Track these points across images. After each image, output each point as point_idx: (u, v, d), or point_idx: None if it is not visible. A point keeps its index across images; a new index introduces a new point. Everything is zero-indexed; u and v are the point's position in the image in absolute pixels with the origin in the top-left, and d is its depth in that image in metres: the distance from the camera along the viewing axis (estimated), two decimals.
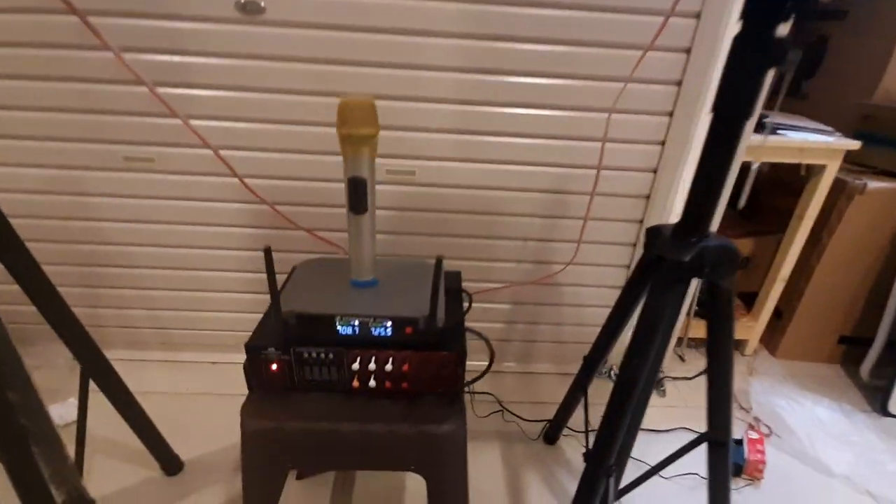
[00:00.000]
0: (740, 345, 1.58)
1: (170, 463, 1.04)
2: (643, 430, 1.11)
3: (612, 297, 1.32)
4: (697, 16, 0.99)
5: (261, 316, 1.31)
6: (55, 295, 0.76)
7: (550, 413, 1.25)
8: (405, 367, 0.64)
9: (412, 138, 1.10)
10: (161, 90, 1.03)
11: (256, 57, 1.01)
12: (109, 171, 1.12)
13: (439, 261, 0.64)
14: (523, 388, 1.37)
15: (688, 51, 1.03)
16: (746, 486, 1.11)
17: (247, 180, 1.13)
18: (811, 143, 1.20)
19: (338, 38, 0.99)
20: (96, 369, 0.87)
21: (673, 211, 1.18)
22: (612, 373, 1.42)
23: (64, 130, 1.07)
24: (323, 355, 0.62)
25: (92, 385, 0.86)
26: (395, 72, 1.03)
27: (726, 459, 0.76)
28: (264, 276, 1.24)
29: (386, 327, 0.62)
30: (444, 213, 1.19)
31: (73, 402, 1.17)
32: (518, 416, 1.25)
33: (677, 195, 1.16)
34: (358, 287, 0.68)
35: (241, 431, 0.61)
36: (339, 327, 0.62)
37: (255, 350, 0.63)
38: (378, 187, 1.15)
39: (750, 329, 1.53)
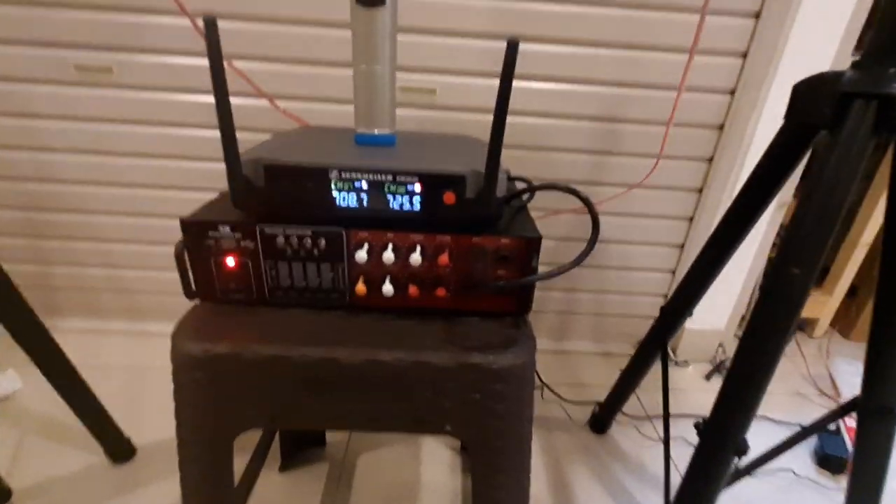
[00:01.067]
0: (808, 324, 1.35)
1: (117, 448, 0.80)
2: None
3: (668, 258, 1.10)
4: None
5: None
6: None
7: (594, 397, 1.02)
8: (442, 260, 0.40)
9: (432, 45, 0.88)
10: None
11: None
12: (58, 84, 0.91)
13: (511, 45, 0.33)
14: (560, 369, 1.13)
15: None
16: None
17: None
18: None
19: None
20: (22, 329, 0.64)
21: (752, 145, 0.96)
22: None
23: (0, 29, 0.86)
24: (309, 240, 0.39)
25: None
26: None
27: (891, 431, 0.53)
28: None
29: (413, 192, 0.38)
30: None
31: (13, 374, 0.94)
32: (561, 398, 1.01)
33: (757, 126, 0.94)
34: (367, 144, 0.45)
35: (173, 361, 0.39)
36: (335, 192, 0.38)
37: (197, 230, 0.39)
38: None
39: (822, 306, 1.30)
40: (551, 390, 1.02)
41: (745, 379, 0.46)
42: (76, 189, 1.00)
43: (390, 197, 0.38)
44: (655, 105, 0.94)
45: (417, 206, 0.38)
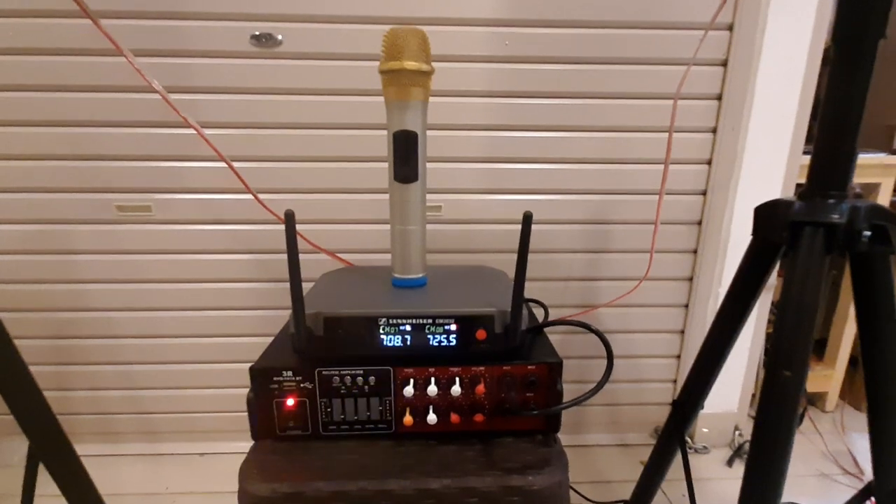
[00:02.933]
0: (818, 399, 1.36)
1: None
2: None
3: (672, 344, 1.15)
4: (730, 28, 0.96)
5: None
6: (23, 371, 0.59)
7: (620, 494, 1.01)
8: (479, 390, 0.45)
9: (438, 170, 1.00)
10: (168, 130, 0.95)
11: (271, 91, 0.95)
12: (99, 223, 1.00)
13: (527, 218, 0.42)
14: (581, 466, 1.12)
15: (724, 63, 0.98)
16: None
17: (257, 196, 1.01)
18: (863, 160, 1.12)
19: (356, 68, 0.94)
20: (50, 448, 0.66)
21: (730, 237, 1.06)
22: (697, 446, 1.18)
23: (49, 180, 0.97)
24: (360, 379, 0.44)
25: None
26: None
27: None
28: (270, 339, 1.08)
29: (449, 331, 0.44)
30: (473, 252, 1.06)
31: None
32: (588, 500, 0.99)
33: (732, 220, 1.05)
34: (404, 287, 0.52)
35: (240, 501, 0.41)
36: (382, 335, 0.44)
37: (264, 376, 0.45)
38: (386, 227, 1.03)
39: (828, 379, 1.33)
40: (578, 493, 1.01)
41: (763, 474, 0.50)
42: (102, 315, 1.06)
43: (430, 336, 0.44)
44: (642, 207, 1.05)
45: (454, 342, 0.45)
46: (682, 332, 1.14)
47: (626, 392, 1.18)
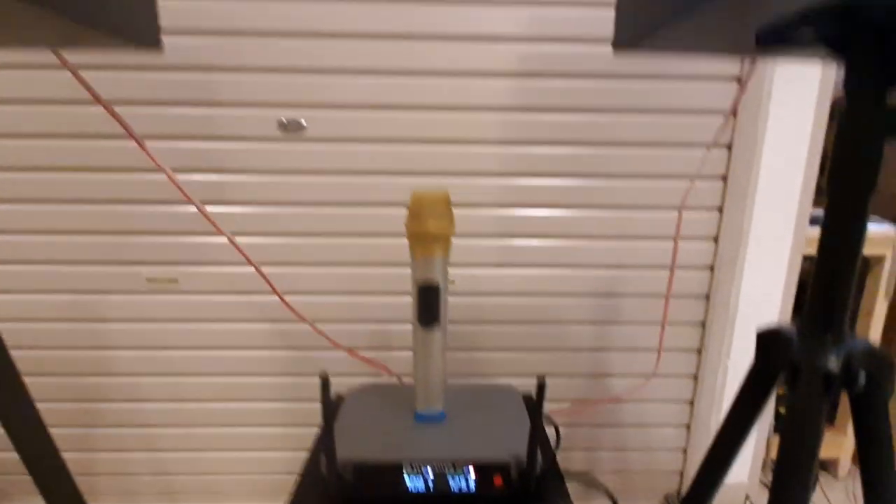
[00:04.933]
0: (830, 465, 1.36)
1: None
2: None
3: (680, 414, 1.16)
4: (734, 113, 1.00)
5: (288, 454, 1.14)
6: (48, 445, 0.63)
7: None
8: None
9: (453, 244, 1.04)
10: (191, 208, 1.01)
11: (296, 172, 1.00)
12: (129, 293, 1.05)
13: (541, 386, 0.49)
14: None
15: (729, 146, 1.02)
16: None
17: (283, 298, 1.05)
18: (869, 232, 1.14)
19: (377, 151, 0.99)
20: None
21: (738, 311, 1.08)
22: None
23: (82, 253, 1.02)
24: None
25: None
26: (432, 179, 1.01)
27: None
28: (290, 406, 1.12)
29: (468, 477, 0.48)
30: (486, 323, 1.09)
31: None
32: None
33: (739, 294, 1.07)
34: (424, 422, 0.56)
35: None
36: (407, 480, 0.48)
37: None
38: (405, 299, 1.07)
39: (839, 446, 1.32)
40: None
41: None
42: (128, 380, 1.10)
43: (451, 481, 0.48)
44: (650, 281, 1.08)
45: (473, 488, 0.48)
46: (692, 402, 1.15)
47: (636, 459, 1.19)
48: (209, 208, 1.01)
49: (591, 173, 1.02)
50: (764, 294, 1.07)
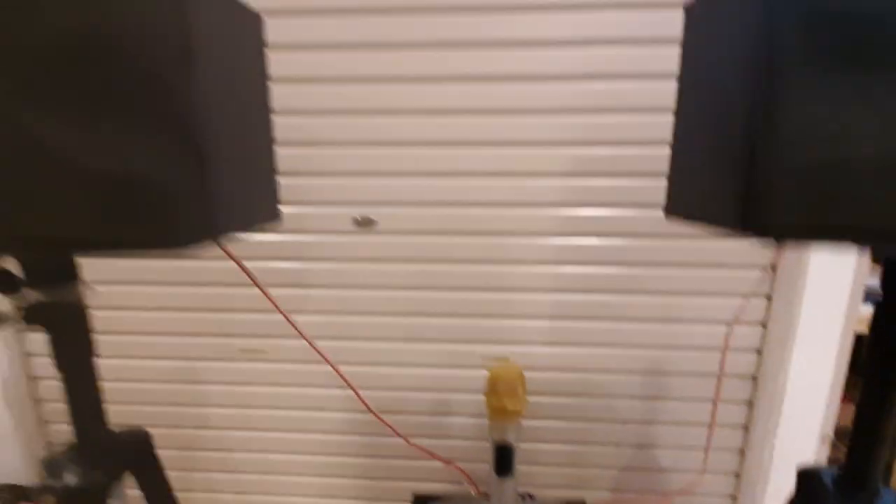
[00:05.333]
0: None
1: None
2: None
3: (726, 484, 1.20)
4: None
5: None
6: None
7: None
8: None
9: (508, 326, 1.13)
10: (280, 291, 1.14)
11: (368, 260, 1.12)
12: (224, 361, 1.21)
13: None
14: None
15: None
16: None
17: (358, 393, 1.18)
18: None
19: (440, 242, 1.10)
20: None
21: (786, 391, 1.11)
22: None
23: (186, 327, 1.19)
24: None
25: None
26: (489, 267, 1.11)
27: None
28: (358, 460, 1.24)
29: None
30: (539, 395, 1.17)
31: None
32: None
33: (788, 375, 1.10)
34: None
35: None
36: None
37: None
38: (467, 372, 1.17)
39: None
40: None
41: None
42: (221, 433, 1.26)
43: None
44: (699, 360, 1.13)
45: None
46: (738, 475, 1.19)
47: None
48: (290, 291, 1.15)
49: (644, 262, 1.08)
50: (811, 385, 1.10)
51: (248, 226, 0.59)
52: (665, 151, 1.00)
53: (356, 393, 1.15)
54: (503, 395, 0.56)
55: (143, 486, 0.70)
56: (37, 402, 1.27)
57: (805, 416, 1.13)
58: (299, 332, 0.95)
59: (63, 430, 1.30)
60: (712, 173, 0.52)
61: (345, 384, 1.18)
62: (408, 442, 1.19)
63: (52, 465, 0.61)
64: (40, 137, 0.40)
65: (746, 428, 1.16)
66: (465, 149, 1.05)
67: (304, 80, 1.04)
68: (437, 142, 1.05)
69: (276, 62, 1.03)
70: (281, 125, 1.06)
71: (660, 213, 1.05)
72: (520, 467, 1.19)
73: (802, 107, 0.39)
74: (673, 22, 0.97)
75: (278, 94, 1.04)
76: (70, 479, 0.59)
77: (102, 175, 0.41)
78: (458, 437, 1.21)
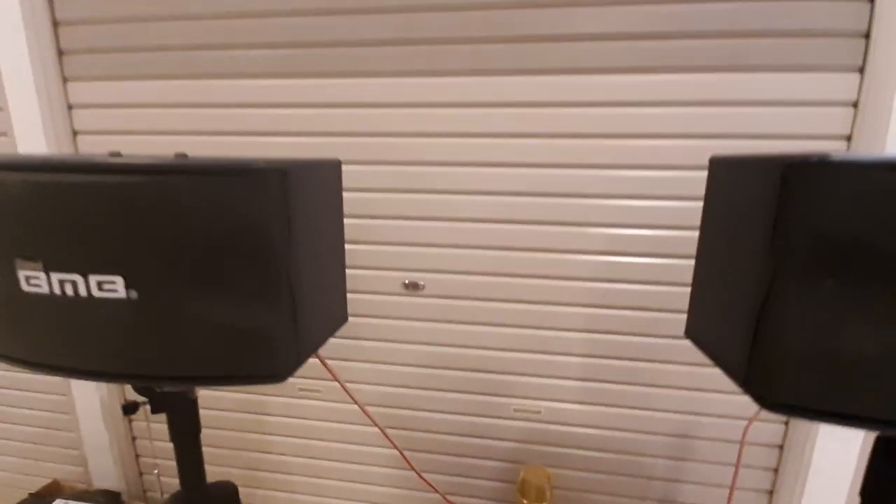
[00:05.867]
0: None
1: None
2: None
3: None
4: None
5: None
6: None
7: None
8: None
9: (540, 383, 1.22)
10: (334, 340, 1.28)
11: (416, 319, 1.24)
12: (285, 397, 1.36)
13: None
14: None
15: None
16: None
17: (402, 453, 1.31)
18: None
19: (481, 307, 1.20)
20: None
21: (812, 462, 1.14)
22: None
23: None
24: None
25: None
26: (526, 331, 1.20)
27: None
28: (400, 492, 1.37)
29: None
30: (569, 448, 1.26)
31: None
32: None
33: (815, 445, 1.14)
34: None
35: None
36: None
37: None
38: (503, 422, 1.27)
39: None
40: None
41: None
42: (280, 458, 1.42)
43: None
44: (724, 429, 1.18)
45: None
46: None
47: None
48: (343, 341, 1.28)
49: (676, 334, 1.14)
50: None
51: (326, 338, 0.71)
52: None
53: (400, 452, 1.28)
54: (532, 498, 0.66)
55: None
56: (130, 420, 1.48)
57: (832, 484, 1.16)
58: (351, 397, 1.07)
59: (146, 446, 1.50)
60: (725, 324, 0.59)
61: (385, 438, 1.31)
62: (445, 499, 1.31)
63: None
64: (184, 305, 0.53)
65: (771, 493, 1.21)
66: (504, 225, 1.14)
67: (369, 162, 1.16)
68: (479, 219, 1.15)
69: (349, 146, 1.16)
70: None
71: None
72: None
73: (803, 309, 0.46)
74: None
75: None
76: None
77: (224, 328, 0.54)
78: (485, 478, 1.32)
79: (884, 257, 0.44)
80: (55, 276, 0.54)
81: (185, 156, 0.60)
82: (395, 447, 1.28)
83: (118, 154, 0.60)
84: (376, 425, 1.24)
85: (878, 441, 0.57)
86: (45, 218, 0.53)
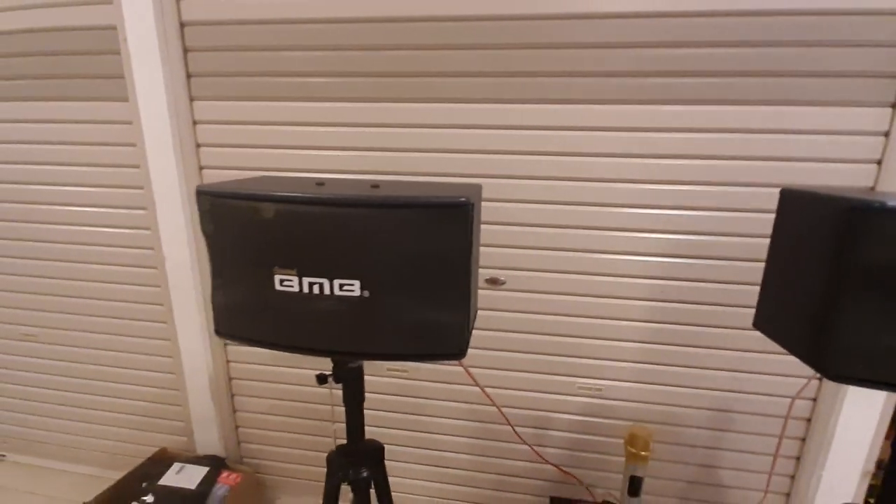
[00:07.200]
0: None
1: None
2: None
3: None
4: None
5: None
6: None
7: None
8: None
9: (592, 364, 1.43)
10: None
11: (499, 310, 1.44)
12: (377, 376, 1.57)
13: None
14: None
15: None
16: None
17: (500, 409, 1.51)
18: None
19: (552, 299, 1.39)
20: None
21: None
22: None
23: None
24: None
25: None
26: (587, 321, 1.40)
27: None
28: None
29: None
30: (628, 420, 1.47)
31: None
32: None
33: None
34: None
35: None
36: None
37: None
38: (565, 398, 1.47)
39: None
40: None
41: None
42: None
43: None
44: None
45: None
46: (787, 495, 1.45)
47: None
48: None
49: (722, 324, 1.34)
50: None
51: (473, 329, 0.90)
52: None
53: (500, 410, 1.48)
54: (639, 447, 0.85)
55: (375, 480, 1.05)
56: (232, 396, 1.68)
57: (852, 452, 1.37)
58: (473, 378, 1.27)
59: (246, 417, 1.71)
60: (795, 320, 0.78)
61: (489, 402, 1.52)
62: (540, 456, 1.52)
63: (330, 461, 0.97)
64: (399, 303, 0.72)
65: (798, 459, 1.42)
66: (583, 231, 1.34)
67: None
68: (560, 224, 1.34)
69: (439, 161, 1.34)
70: None
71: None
72: (602, 474, 1.50)
73: (855, 314, 0.66)
74: None
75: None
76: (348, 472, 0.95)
77: (415, 323, 0.73)
78: (557, 446, 1.53)
79: None
80: (306, 280, 0.73)
81: (377, 186, 0.79)
82: (509, 423, 1.49)
83: (322, 183, 0.79)
84: (495, 405, 1.44)
85: None
86: (297, 236, 0.72)
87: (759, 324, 0.90)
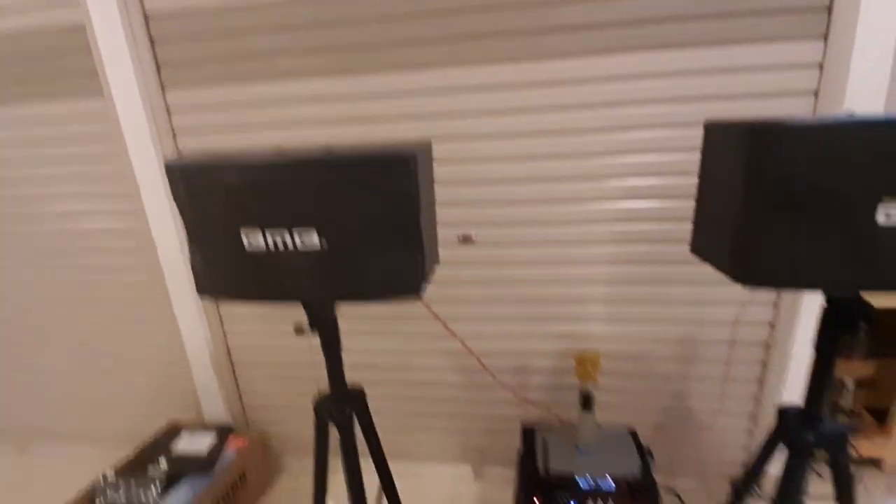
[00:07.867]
0: (878, 463, 1.69)
1: None
2: None
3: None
4: None
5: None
6: None
7: None
8: None
9: (573, 310, 1.52)
10: None
11: (466, 264, 1.52)
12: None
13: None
14: None
15: None
16: None
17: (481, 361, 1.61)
18: None
19: (521, 252, 1.48)
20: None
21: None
22: None
23: None
24: None
25: None
26: (558, 269, 1.48)
27: None
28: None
29: (608, 483, 0.98)
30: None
31: None
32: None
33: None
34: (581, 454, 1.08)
35: None
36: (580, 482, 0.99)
37: None
38: (544, 343, 1.57)
39: (884, 446, 1.66)
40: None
41: None
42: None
43: (601, 483, 0.99)
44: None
45: (612, 488, 0.99)
46: (754, 416, 1.56)
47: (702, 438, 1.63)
48: None
49: (677, 260, 1.43)
50: None
51: (433, 270, 0.99)
52: None
53: (480, 360, 1.58)
54: (588, 367, 0.95)
55: (361, 424, 1.15)
56: (233, 367, 1.80)
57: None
58: (441, 321, 1.36)
59: (249, 386, 1.82)
60: (717, 239, 0.87)
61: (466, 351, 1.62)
62: (516, 393, 1.63)
63: (318, 404, 1.07)
64: (355, 250, 0.81)
65: (761, 381, 1.52)
66: (546, 184, 1.41)
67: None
68: (524, 179, 1.41)
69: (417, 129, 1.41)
70: None
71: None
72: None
73: (765, 226, 0.74)
74: None
75: None
76: (331, 414, 1.05)
77: (373, 267, 0.82)
78: (537, 387, 1.64)
79: (816, 192, 0.71)
80: (269, 235, 0.81)
81: (331, 149, 0.86)
82: (483, 365, 1.59)
83: (281, 150, 0.86)
84: (471, 352, 1.54)
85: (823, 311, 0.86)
86: (258, 197, 0.80)
87: (695, 248, 0.98)
